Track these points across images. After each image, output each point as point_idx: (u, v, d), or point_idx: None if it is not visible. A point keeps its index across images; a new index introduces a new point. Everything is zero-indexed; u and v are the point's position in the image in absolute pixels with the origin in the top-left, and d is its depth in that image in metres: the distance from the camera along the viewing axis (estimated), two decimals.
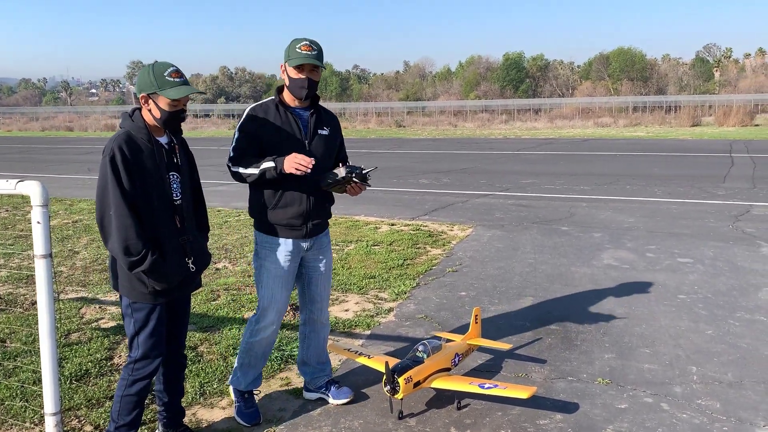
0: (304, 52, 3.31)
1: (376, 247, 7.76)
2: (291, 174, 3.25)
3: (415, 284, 6.22)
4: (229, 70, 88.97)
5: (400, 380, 3.50)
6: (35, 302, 5.87)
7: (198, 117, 61.14)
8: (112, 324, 5.16)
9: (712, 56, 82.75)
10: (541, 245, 7.77)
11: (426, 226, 9.04)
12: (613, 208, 10.34)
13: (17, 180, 2.90)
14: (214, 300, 5.79)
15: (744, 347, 4.53)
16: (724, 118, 38.32)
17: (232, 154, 3.44)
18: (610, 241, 7.93)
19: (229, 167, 3.46)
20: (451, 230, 8.79)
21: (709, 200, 10.91)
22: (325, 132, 3.56)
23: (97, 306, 5.66)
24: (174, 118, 3.01)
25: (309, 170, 3.21)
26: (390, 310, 5.51)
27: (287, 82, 3.43)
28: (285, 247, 3.52)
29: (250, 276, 6.53)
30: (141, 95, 2.97)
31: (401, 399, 3.58)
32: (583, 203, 10.87)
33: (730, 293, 5.75)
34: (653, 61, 73.57)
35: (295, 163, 3.20)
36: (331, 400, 3.83)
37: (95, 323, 5.21)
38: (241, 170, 3.38)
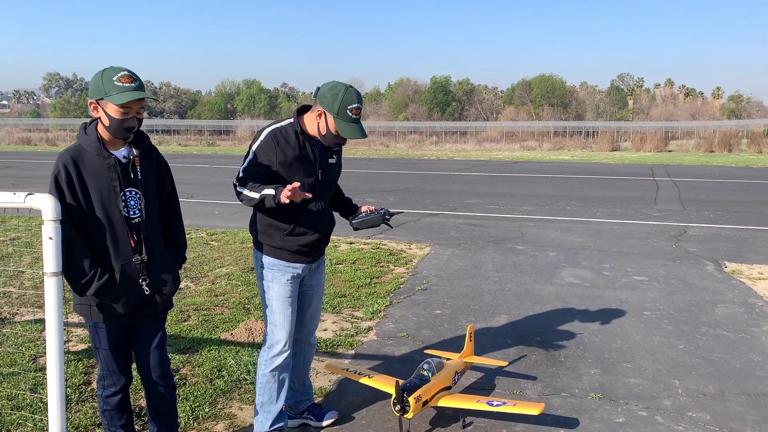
0: (354, 107, 3.18)
1: (339, 265, 7.70)
2: (302, 203, 3.24)
3: (387, 303, 6.20)
4: (153, 85, 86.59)
5: (411, 399, 3.47)
6: None
7: None
8: (81, 347, 4.87)
9: (626, 85, 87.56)
10: (502, 264, 7.92)
11: (385, 244, 9.05)
12: (560, 228, 10.68)
13: (26, 193, 2.71)
14: (185, 321, 5.57)
15: (716, 361, 4.76)
16: (640, 144, 40.58)
17: (241, 175, 3.28)
18: (566, 260, 8.17)
19: (235, 186, 3.30)
20: (410, 249, 8.84)
21: (647, 221, 11.45)
22: (333, 160, 3.52)
23: None
24: (124, 127, 2.78)
25: (297, 199, 3.10)
26: (369, 329, 5.47)
27: (322, 131, 3.27)
28: (294, 270, 3.43)
29: (217, 295, 6.34)
30: (90, 101, 2.81)
31: (410, 418, 3.55)
32: (531, 223, 11.18)
33: (689, 309, 6.03)
34: (572, 88, 77.03)
35: (288, 191, 3.04)
36: (314, 423, 3.74)
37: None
38: (245, 192, 3.23)
